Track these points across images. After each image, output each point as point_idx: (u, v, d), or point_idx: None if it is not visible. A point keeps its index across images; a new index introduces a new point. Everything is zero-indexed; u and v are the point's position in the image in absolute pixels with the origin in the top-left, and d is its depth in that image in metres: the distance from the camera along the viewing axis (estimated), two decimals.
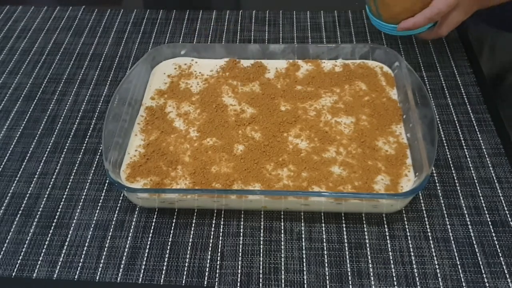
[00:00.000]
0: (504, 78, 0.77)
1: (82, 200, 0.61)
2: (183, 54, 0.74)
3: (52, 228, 0.58)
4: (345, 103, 0.66)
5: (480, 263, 0.53)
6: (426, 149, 0.56)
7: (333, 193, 0.56)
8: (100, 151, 0.66)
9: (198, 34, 0.84)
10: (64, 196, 0.61)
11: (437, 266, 0.53)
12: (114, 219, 0.59)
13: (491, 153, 0.63)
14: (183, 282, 0.53)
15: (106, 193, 0.62)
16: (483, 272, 0.53)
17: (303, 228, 0.57)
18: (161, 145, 0.62)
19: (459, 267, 0.53)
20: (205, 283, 0.53)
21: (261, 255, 0.55)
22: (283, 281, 0.53)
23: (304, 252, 0.55)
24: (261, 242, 0.56)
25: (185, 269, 0.54)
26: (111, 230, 0.58)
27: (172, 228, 0.58)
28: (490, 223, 0.57)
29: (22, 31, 0.86)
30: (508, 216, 0.57)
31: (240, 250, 0.56)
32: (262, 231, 0.57)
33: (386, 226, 0.57)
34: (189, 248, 0.56)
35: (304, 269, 0.54)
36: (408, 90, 0.64)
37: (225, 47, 0.74)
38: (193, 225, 0.58)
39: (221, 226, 0.58)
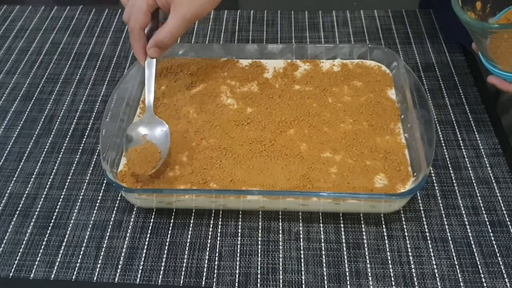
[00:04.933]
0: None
1: (79, 200, 0.61)
2: (181, 54, 0.74)
3: (50, 228, 0.58)
4: (343, 103, 0.66)
5: (478, 263, 0.53)
6: (424, 149, 0.56)
7: (331, 193, 0.56)
8: (97, 151, 0.66)
9: (196, 34, 0.84)
10: (62, 196, 0.61)
11: (435, 266, 0.53)
12: (112, 219, 0.59)
13: (489, 153, 0.63)
14: (181, 282, 0.53)
15: (103, 193, 0.61)
16: (481, 272, 0.53)
17: (301, 228, 0.57)
18: None
19: (457, 267, 0.53)
20: (203, 283, 0.53)
21: (259, 255, 0.55)
22: (281, 281, 0.53)
23: (302, 252, 0.55)
24: (259, 242, 0.56)
25: (183, 269, 0.54)
26: (109, 230, 0.58)
27: (170, 228, 0.58)
28: (488, 223, 0.57)
29: (20, 31, 0.86)
30: (506, 216, 0.57)
31: (238, 250, 0.56)
32: (260, 231, 0.57)
33: (384, 226, 0.57)
34: (187, 248, 0.56)
35: (302, 269, 0.54)
36: (406, 90, 0.64)
37: (223, 47, 0.74)
38: (191, 225, 0.58)
39: (219, 226, 0.58)
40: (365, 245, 0.55)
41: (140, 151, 0.57)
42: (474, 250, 0.54)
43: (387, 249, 0.55)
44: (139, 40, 0.60)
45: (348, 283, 0.52)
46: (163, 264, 0.55)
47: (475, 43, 0.59)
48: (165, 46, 0.60)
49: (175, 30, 0.59)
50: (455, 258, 0.54)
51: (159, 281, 0.53)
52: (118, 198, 0.61)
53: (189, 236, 0.57)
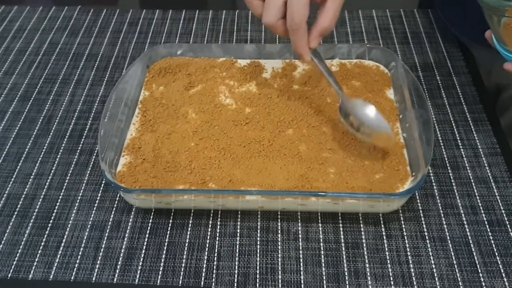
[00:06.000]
0: (501, 78, 0.78)
1: (78, 201, 0.61)
2: (180, 54, 0.74)
3: (48, 229, 0.58)
4: None
5: (477, 262, 0.53)
6: (423, 149, 0.56)
7: (330, 193, 0.56)
8: (96, 151, 0.66)
9: (194, 34, 0.84)
10: (60, 197, 0.61)
11: (433, 266, 0.53)
12: (111, 219, 0.59)
13: (487, 152, 0.63)
14: (180, 282, 0.53)
15: (102, 193, 0.61)
16: (479, 271, 0.53)
17: (300, 228, 0.57)
18: (157, 145, 0.62)
19: (456, 266, 0.53)
20: (202, 283, 0.53)
21: (258, 255, 0.55)
22: (280, 281, 0.53)
23: (301, 252, 0.55)
24: (258, 243, 0.56)
25: (182, 269, 0.54)
26: (108, 230, 0.58)
27: (169, 229, 0.58)
28: (486, 222, 0.57)
29: (18, 31, 0.86)
30: (504, 215, 0.57)
31: (237, 251, 0.56)
32: (259, 231, 0.57)
33: (383, 225, 0.57)
34: (185, 248, 0.56)
35: (301, 269, 0.54)
36: (405, 90, 0.64)
37: (221, 47, 0.74)
38: (190, 225, 0.58)
39: (218, 227, 0.58)
40: (364, 245, 0.55)
41: (376, 137, 0.59)
42: (473, 250, 0.54)
43: (386, 249, 0.55)
44: (305, 34, 0.57)
45: (347, 282, 0.52)
46: (162, 264, 0.55)
47: (490, 27, 0.58)
48: (327, 32, 0.59)
49: (337, 13, 0.58)
50: (453, 258, 0.54)
51: (158, 282, 0.53)
52: (117, 198, 0.61)
53: (187, 236, 0.57)
